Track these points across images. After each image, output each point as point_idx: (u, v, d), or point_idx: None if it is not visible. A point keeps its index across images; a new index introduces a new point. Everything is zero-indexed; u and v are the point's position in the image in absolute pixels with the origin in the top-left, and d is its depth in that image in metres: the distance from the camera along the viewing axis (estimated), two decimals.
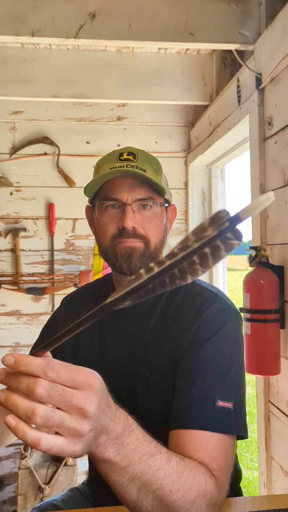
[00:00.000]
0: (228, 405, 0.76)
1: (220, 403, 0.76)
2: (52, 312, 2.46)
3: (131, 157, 0.88)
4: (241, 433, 0.78)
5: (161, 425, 0.74)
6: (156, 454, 0.60)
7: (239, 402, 0.79)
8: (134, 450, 0.57)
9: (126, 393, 0.88)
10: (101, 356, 0.96)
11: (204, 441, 0.72)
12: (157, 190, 0.88)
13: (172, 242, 2.68)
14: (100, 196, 0.91)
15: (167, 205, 0.95)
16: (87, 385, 0.50)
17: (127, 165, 0.86)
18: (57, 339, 0.49)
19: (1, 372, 0.50)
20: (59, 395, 0.48)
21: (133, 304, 0.45)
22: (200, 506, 0.64)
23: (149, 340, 0.90)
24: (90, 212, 0.97)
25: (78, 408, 0.49)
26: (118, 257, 0.88)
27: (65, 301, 1.11)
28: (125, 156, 0.88)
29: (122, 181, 0.87)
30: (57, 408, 0.49)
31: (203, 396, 0.76)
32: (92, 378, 0.51)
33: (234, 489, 0.98)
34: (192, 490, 0.63)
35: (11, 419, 0.48)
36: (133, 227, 0.87)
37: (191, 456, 0.70)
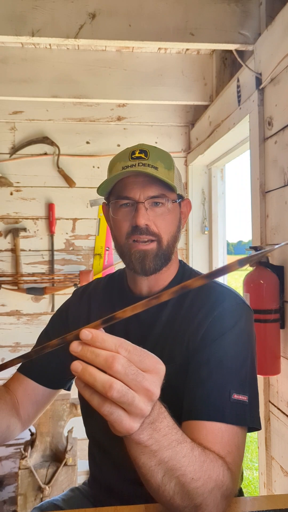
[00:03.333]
0: (243, 398, 0.78)
1: (236, 396, 0.78)
2: (52, 312, 2.46)
3: (142, 155, 0.89)
4: (255, 425, 0.80)
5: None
6: (182, 442, 0.62)
7: (253, 395, 0.81)
8: (165, 436, 0.59)
9: None
10: None
11: (219, 434, 0.74)
12: (169, 186, 0.89)
13: None
14: (114, 194, 0.92)
15: (180, 200, 0.95)
16: (155, 370, 0.52)
17: (138, 163, 0.87)
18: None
19: (77, 344, 0.51)
20: (133, 374, 0.50)
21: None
22: (216, 496, 0.66)
23: (161, 333, 0.90)
24: (106, 209, 0.98)
25: (146, 390, 0.51)
26: (132, 259, 0.90)
27: (76, 292, 1.11)
28: (137, 154, 0.89)
29: (134, 180, 0.88)
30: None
31: (219, 389, 0.78)
32: (159, 364, 0.53)
33: None
34: (211, 480, 0.65)
35: (78, 364, 0.50)
36: (146, 224, 0.88)
37: (208, 448, 0.71)
